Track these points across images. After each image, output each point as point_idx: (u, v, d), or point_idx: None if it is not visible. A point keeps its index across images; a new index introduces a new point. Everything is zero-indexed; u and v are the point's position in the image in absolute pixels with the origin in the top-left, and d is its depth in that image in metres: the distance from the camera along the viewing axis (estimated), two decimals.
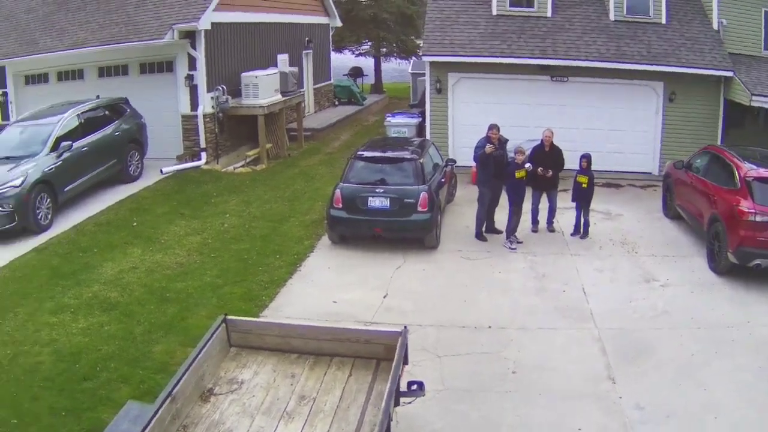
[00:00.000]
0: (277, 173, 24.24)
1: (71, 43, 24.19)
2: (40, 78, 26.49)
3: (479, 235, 17.40)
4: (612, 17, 23.98)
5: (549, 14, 24.22)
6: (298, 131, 29.38)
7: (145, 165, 22.88)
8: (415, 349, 11.42)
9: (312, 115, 34.46)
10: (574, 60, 22.83)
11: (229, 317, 9.66)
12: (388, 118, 26.27)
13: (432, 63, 23.82)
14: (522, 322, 13.36)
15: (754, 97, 20.78)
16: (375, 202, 16.21)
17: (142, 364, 11.57)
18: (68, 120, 19.56)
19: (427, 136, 23.85)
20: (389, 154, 17.30)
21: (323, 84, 37.20)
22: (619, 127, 23.53)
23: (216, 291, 14.45)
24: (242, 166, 24.95)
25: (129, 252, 16.49)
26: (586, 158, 17.68)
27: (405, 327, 9.18)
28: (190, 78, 23.67)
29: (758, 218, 14.53)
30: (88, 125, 20.32)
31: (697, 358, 12.02)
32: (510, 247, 16.90)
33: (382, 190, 16.22)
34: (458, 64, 23.50)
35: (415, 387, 8.98)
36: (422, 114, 25.60)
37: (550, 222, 18.19)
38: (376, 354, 9.17)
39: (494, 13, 24.36)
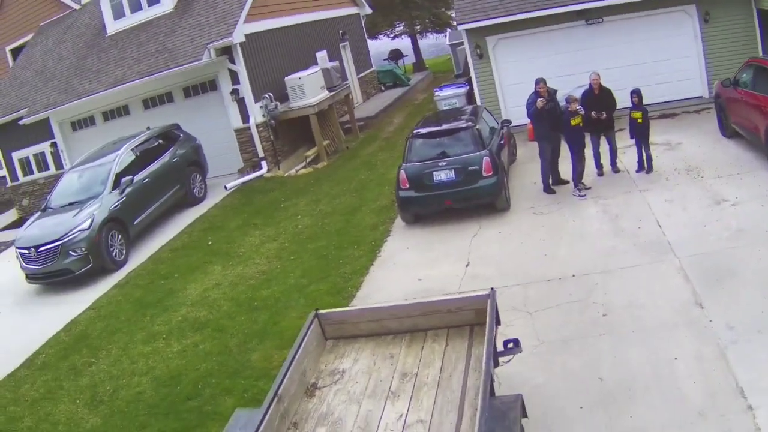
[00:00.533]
0: (339, 168, 24.47)
1: (110, 82, 24.70)
2: (86, 122, 27.25)
3: (547, 189, 17.46)
4: None
5: None
6: (351, 123, 29.58)
7: (208, 185, 23.31)
8: (505, 309, 11.51)
9: (361, 105, 34.66)
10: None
11: (321, 311, 9.77)
12: (437, 93, 26.19)
13: (468, 30, 23.63)
14: (604, 265, 13.43)
15: None
16: (441, 176, 16.30)
17: (243, 373, 11.82)
18: (124, 156, 20.02)
19: (478, 103, 23.74)
20: (445, 126, 17.40)
21: (366, 72, 37.34)
22: (661, 57, 23.09)
23: (302, 291, 14.73)
24: (303, 167, 25.22)
25: (210, 270, 16.84)
26: (637, 93, 17.56)
27: (492, 289, 9.17)
28: (235, 92, 23.99)
29: None
30: (144, 157, 20.76)
31: None
32: (579, 195, 16.93)
33: (445, 163, 16.32)
34: (494, 26, 23.22)
35: (511, 345, 8.95)
36: (469, 82, 25.50)
37: (613, 163, 18.15)
38: (469, 320, 9.20)
39: None
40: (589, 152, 17.64)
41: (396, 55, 45.29)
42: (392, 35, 49.97)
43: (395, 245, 16.40)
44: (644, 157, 17.65)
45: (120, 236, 18.55)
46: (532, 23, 23.03)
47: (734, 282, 11.83)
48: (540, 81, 17.15)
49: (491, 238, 15.55)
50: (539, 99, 16.70)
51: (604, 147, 17.91)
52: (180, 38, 24.38)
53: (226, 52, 23.58)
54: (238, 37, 23.21)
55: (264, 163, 24.32)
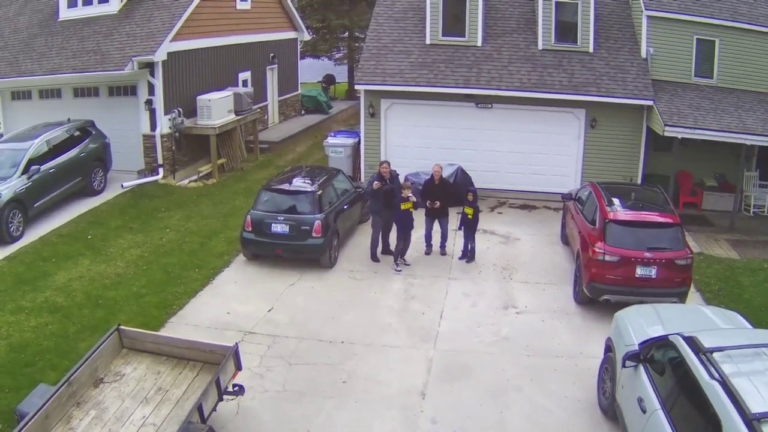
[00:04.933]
0: (224, 187, 27.18)
1: (48, 68, 27.31)
2: (24, 95, 29.66)
3: (373, 257, 19.78)
4: (540, 46, 25.86)
5: (479, 43, 26.19)
6: (254, 145, 32.19)
7: (109, 179, 26.06)
8: (273, 356, 14.69)
9: (275, 126, 37.27)
10: (496, 90, 24.74)
11: (122, 327, 12.95)
12: (328, 139, 28.09)
13: (366, 90, 26.02)
14: (372, 339, 15.49)
15: (666, 128, 21.81)
16: (277, 228, 18.92)
17: (69, 356, 14.49)
18: (38, 146, 22.76)
19: (361, 157, 26.57)
20: (292, 187, 19.92)
21: (290, 95, 39.98)
22: (541, 150, 25.29)
23: (138, 300, 17.29)
24: (195, 180, 27.89)
25: (80, 262, 19.47)
26: (473, 192, 19.77)
27: (236, 344, 12.50)
28: (149, 102, 26.75)
29: (607, 258, 16.00)
30: (56, 148, 23.52)
31: (512, 383, 13.76)
32: (396, 270, 19.08)
33: (282, 218, 18.93)
34: (390, 91, 25.67)
35: (237, 388, 12.22)
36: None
37: (442, 246, 20.10)
38: (218, 360, 12.23)
39: (427, 42, 26.42)
40: (422, 232, 19.96)
41: (329, 80, 47.69)
42: (335, 60, 51.99)
43: (228, 277, 18.95)
44: (468, 248, 19.69)
45: (20, 215, 21.14)
46: (427, 96, 25.43)
47: (466, 383, 13.72)
48: (384, 162, 19.97)
49: (303, 291, 17.93)
50: (376, 181, 19.25)
51: (438, 229, 19.90)
52: (114, 44, 26.97)
53: (150, 65, 26.28)
54: (160, 55, 25.98)
55: (161, 170, 27.08)
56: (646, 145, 24.49)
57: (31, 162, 22.06)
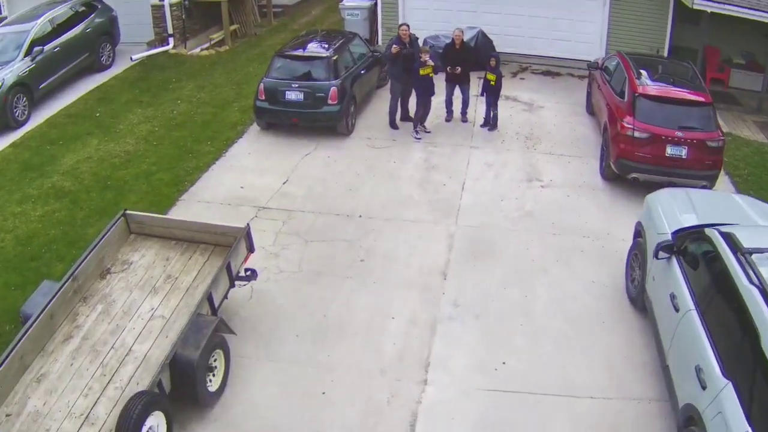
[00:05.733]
0: (238, 54, 26.18)
1: None
2: None
3: (392, 124, 18.99)
4: None
5: None
6: (267, 9, 30.97)
7: (117, 52, 25.08)
8: (289, 233, 14.04)
9: None
10: None
11: (128, 212, 12.24)
12: (344, 1, 26.47)
13: None
14: (391, 213, 14.87)
15: (695, 0, 20.18)
16: (291, 96, 18.11)
17: (77, 245, 13.95)
18: (41, 26, 21.77)
19: (379, 20, 25.40)
20: (306, 52, 19.03)
21: None
22: (565, 16, 23.75)
23: (149, 178, 16.55)
24: (207, 48, 26.83)
25: (88, 143, 18.77)
26: (495, 57, 18.75)
27: (248, 224, 11.79)
28: None
29: (636, 134, 15.22)
30: (61, 26, 22.53)
31: (536, 264, 13.21)
32: (415, 137, 18.37)
33: (297, 85, 18.10)
34: None
35: (249, 273, 11.65)
36: None
37: (463, 113, 19.28)
38: (230, 243, 11.58)
39: None
40: (442, 98, 19.15)
41: None
42: None
43: (242, 148, 18.19)
44: (491, 115, 18.92)
45: (25, 98, 20.41)
46: None
47: (488, 263, 13.18)
48: (403, 25, 18.96)
49: (319, 161, 17.26)
50: (394, 45, 18.33)
51: (459, 95, 19.01)
52: None
53: None
54: None
55: (171, 40, 26.02)
56: (674, 16, 23.09)
57: (34, 43, 21.20)
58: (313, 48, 19.37)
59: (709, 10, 20.35)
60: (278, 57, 19.14)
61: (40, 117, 20.64)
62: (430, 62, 18.09)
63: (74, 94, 22.23)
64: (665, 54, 23.25)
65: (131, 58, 24.97)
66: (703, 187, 14.91)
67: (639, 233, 12.33)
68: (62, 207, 15.65)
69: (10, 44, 21.11)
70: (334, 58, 18.64)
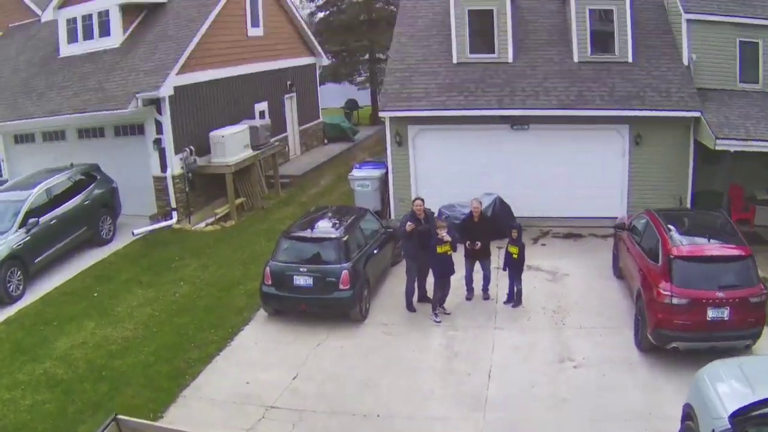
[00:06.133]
0: (244, 229, 25.39)
1: (48, 110, 25.67)
2: (27, 138, 28.07)
3: (409, 307, 17.90)
4: (576, 58, 24.02)
5: (511, 59, 24.31)
6: (275, 180, 30.31)
7: (119, 225, 24.34)
8: None
9: (297, 158, 35.47)
10: (533, 109, 22.93)
11: (120, 416, 10.88)
12: (353, 172, 26.22)
13: (391, 117, 24.15)
14: (412, 410, 13.74)
15: (718, 141, 20.05)
16: (300, 281, 17.08)
17: None
18: (37, 196, 21.04)
19: (390, 189, 24.61)
20: (315, 233, 17.99)
21: (311, 124, 38.12)
22: (583, 171, 23.36)
23: (146, 369, 15.52)
24: (212, 223, 26.10)
25: (84, 325, 17.75)
26: (517, 228, 17.86)
27: None
28: (158, 141, 24.97)
29: (674, 301, 14.16)
30: (58, 197, 21.85)
31: None
32: (435, 320, 17.27)
33: (305, 269, 17.10)
34: (417, 117, 23.83)
35: None
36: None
37: (485, 289, 18.31)
38: None
39: (455, 61, 24.58)
40: (461, 274, 18.02)
41: (352, 105, 46.09)
42: (356, 84, 49.89)
43: (248, 337, 17.16)
44: (515, 290, 17.86)
45: (19, 272, 19.55)
46: (457, 120, 23.49)
47: None
48: (417, 199, 18.01)
49: (331, 352, 16.11)
50: (408, 223, 17.39)
51: (479, 270, 18.11)
52: (116, 80, 25.30)
53: (156, 101, 24.50)
54: (165, 90, 24.22)
55: (174, 214, 25.27)
56: (695, 160, 22.77)
57: (29, 214, 20.48)
58: (322, 227, 18.47)
59: (732, 149, 20.04)
60: (285, 238, 18.16)
61: (35, 293, 19.83)
62: (447, 238, 17.14)
63: (72, 270, 21.41)
64: (688, 200, 22.77)
65: (133, 233, 24.07)
66: (747, 347, 14.31)
67: (688, 415, 11.11)
68: (53, 398, 14.61)
69: (4, 214, 20.38)
70: (345, 238, 17.63)
